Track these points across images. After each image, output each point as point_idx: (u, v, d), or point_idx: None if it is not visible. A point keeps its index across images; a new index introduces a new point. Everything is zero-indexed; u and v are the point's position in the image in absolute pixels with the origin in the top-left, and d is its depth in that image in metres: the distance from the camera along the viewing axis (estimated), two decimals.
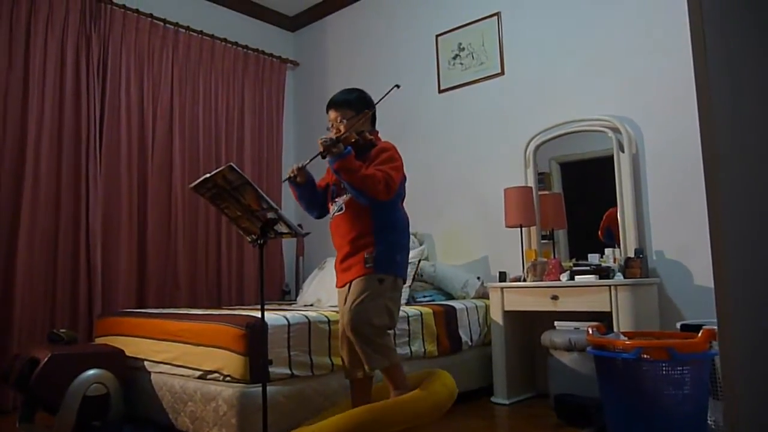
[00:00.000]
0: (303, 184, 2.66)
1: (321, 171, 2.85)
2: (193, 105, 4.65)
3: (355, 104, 2.65)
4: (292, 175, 2.62)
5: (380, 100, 2.70)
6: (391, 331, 2.59)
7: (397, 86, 2.68)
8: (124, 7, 4.23)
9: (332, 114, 2.65)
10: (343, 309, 2.55)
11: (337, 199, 2.65)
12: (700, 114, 0.99)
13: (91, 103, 3.99)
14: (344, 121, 2.60)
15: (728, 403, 1.01)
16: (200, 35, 4.71)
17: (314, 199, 2.75)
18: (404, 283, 2.72)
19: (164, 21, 4.47)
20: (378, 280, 2.48)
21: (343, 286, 2.58)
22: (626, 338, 2.36)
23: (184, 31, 4.61)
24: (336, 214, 2.63)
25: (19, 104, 3.70)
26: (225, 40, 4.88)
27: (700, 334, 2.18)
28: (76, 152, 3.92)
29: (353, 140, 2.47)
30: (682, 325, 2.61)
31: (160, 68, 4.45)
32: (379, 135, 2.72)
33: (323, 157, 2.44)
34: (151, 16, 4.38)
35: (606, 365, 2.29)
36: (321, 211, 2.79)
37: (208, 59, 4.77)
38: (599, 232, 3.56)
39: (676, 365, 2.15)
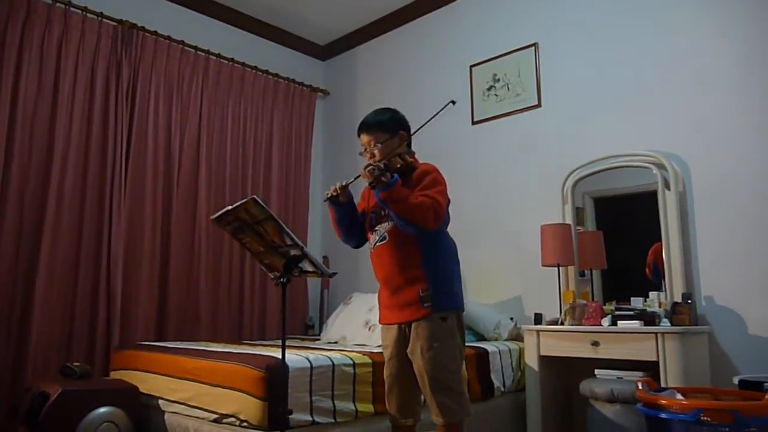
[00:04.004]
0: (344, 203, 2.42)
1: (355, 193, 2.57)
2: (221, 133, 4.58)
3: (390, 126, 2.41)
4: (334, 194, 2.34)
5: (434, 116, 2.45)
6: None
7: (453, 102, 2.46)
8: (155, 33, 4.20)
9: (364, 138, 2.42)
10: (390, 349, 2.35)
11: (377, 227, 2.40)
12: None
13: (118, 128, 3.93)
14: (378, 144, 2.37)
15: None
16: (231, 63, 4.67)
17: (354, 224, 2.48)
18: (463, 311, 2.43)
19: (195, 48, 4.44)
20: (440, 319, 2.25)
21: (394, 324, 2.35)
22: (681, 396, 2.14)
23: (214, 58, 4.57)
24: (378, 243, 2.38)
25: (46, 127, 3.64)
26: (255, 68, 4.82)
27: (767, 396, 1.96)
28: (101, 178, 3.85)
29: (399, 166, 2.28)
30: (740, 381, 2.38)
31: (189, 95, 4.40)
32: (416, 156, 2.47)
33: (372, 188, 2.23)
34: (182, 43, 4.35)
35: (659, 426, 2.07)
36: (360, 240, 2.52)
37: (237, 87, 4.71)
38: (646, 269, 3.34)
39: (740, 429, 1.93)
